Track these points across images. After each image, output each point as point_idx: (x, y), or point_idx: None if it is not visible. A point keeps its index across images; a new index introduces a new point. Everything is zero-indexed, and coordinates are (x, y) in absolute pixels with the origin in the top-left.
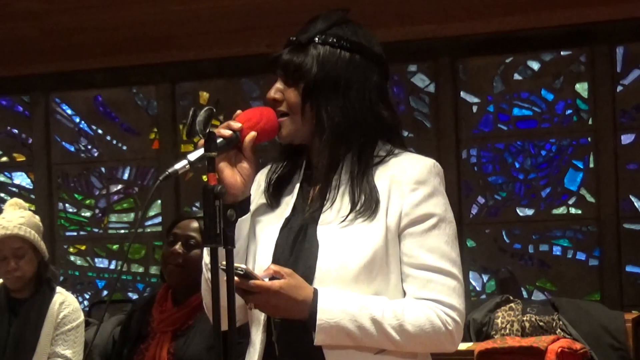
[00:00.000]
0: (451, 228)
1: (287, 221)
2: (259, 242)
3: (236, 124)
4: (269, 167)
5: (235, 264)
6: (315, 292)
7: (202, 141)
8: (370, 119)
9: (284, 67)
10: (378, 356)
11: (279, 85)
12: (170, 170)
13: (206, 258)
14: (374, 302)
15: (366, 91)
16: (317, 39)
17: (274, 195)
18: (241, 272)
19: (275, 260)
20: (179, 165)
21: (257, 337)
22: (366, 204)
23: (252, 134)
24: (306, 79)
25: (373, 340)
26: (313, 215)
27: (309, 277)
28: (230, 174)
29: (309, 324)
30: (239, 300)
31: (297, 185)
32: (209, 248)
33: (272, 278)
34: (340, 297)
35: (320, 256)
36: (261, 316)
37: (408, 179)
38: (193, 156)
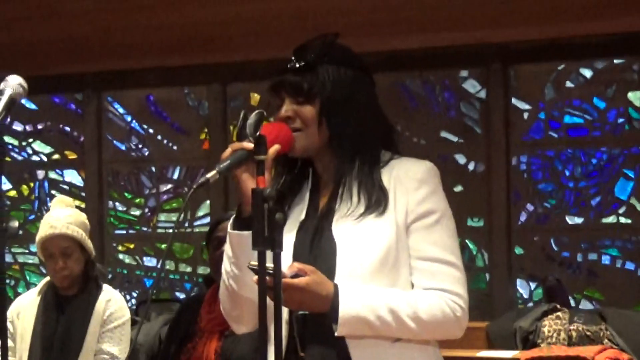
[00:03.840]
0: (452, 222)
1: (302, 224)
2: None
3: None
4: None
5: (252, 262)
6: (336, 286)
7: (227, 152)
8: (376, 127)
9: (294, 87)
10: (397, 344)
11: (288, 105)
12: (201, 180)
13: (227, 266)
14: (390, 294)
15: (370, 103)
16: (321, 59)
17: (282, 206)
18: (270, 272)
19: (295, 261)
20: (210, 174)
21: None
22: (377, 200)
23: (277, 146)
24: (322, 96)
25: (391, 329)
26: (327, 216)
27: (330, 274)
28: (253, 184)
29: (331, 317)
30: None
31: (307, 195)
32: (229, 254)
33: (295, 275)
34: (360, 290)
35: (339, 254)
36: (283, 313)
37: (411, 179)
38: (222, 166)
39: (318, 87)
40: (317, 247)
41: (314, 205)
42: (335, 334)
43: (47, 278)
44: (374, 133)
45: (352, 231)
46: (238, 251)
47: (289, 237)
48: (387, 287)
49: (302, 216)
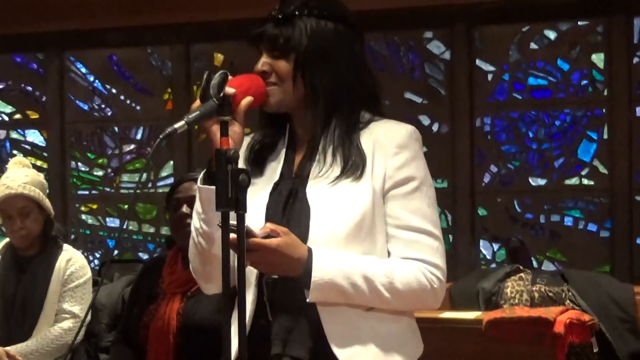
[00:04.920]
0: (432, 191)
1: (276, 185)
2: (249, 207)
3: (229, 90)
4: (250, 135)
5: (231, 222)
6: (310, 250)
7: (196, 103)
8: (357, 85)
9: (271, 40)
10: (369, 313)
11: (265, 58)
12: (169, 129)
13: (196, 222)
14: (365, 261)
15: (352, 59)
16: (301, 11)
17: (257, 164)
18: (233, 228)
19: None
20: (178, 125)
21: (248, 296)
22: (353, 165)
23: (249, 98)
24: (297, 50)
25: (364, 297)
26: (302, 178)
27: (302, 238)
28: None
29: (303, 282)
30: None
31: (283, 152)
32: (198, 210)
33: (267, 236)
34: (334, 255)
35: (313, 218)
36: (252, 278)
37: (390, 143)
38: (190, 117)
39: (294, 42)
40: (291, 210)
41: (289, 164)
42: (307, 300)
43: (7, 239)
44: (354, 92)
45: (327, 195)
46: (207, 207)
47: (262, 198)
48: (363, 255)
49: (277, 176)
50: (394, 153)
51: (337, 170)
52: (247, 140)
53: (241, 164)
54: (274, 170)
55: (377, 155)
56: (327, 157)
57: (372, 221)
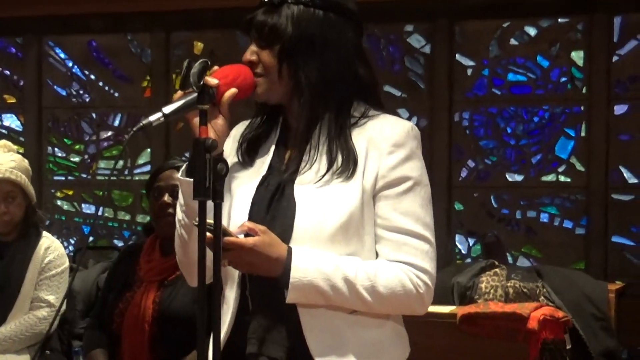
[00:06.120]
0: (426, 192)
1: (264, 179)
2: (235, 200)
3: (213, 80)
4: (245, 123)
5: (209, 221)
6: (290, 250)
7: (177, 94)
8: (348, 77)
9: (258, 28)
10: (352, 316)
11: (253, 47)
12: (144, 122)
13: (179, 214)
14: (348, 263)
15: (342, 49)
16: None
17: (249, 153)
18: (210, 228)
19: (251, 219)
20: (154, 117)
21: (230, 294)
22: (344, 164)
23: (233, 90)
24: (281, 40)
25: (345, 300)
26: (291, 174)
27: (286, 236)
28: (204, 130)
29: (282, 282)
30: (208, 259)
31: (273, 145)
32: (181, 202)
33: (247, 235)
34: (315, 256)
35: (298, 215)
36: (235, 273)
37: (385, 142)
38: (168, 109)
39: (279, 30)
40: (276, 206)
41: (280, 157)
42: (286, 301)
43: None
44: (344, 84)
45: (314, 193)
46: (188, 199)
47: (248, 191)
48: (349, 256)
49: (264, 170)
50: (388, 152)
51: (325, 167)
52: (242, 127)
53: (233, 152)
54: (263, 162)
55: (371, 154)
56: (317, 153)
57: (360, 222)
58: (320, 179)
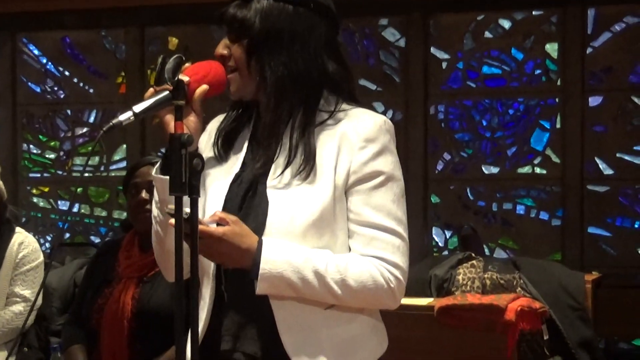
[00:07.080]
0: (398, 186)
1: (237, 176)
2: (208, 195)
3: (184, 78)
4: (220, 117)
5: (185, 209)
6: (260, 241)
7: (149, 92)
8: (314, 73)
9: (228, 22)
10: (328, 311)
11: (225, 41)
12: (114, 121)
13: (155, 210)
14: (319, 256)
15: (311, 44)
16: None
17: (224, 149)
18: (186, 217)
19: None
20: (124, 116)
21: (206, 289)
22: (303, 162)
23: (204, 87)
24: (250, 34)
25: (315, 292)
26: (262, 172)
27: (258, 233)
28: (178, 127)
29: (252, 273)
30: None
31: (247, 141)
32: (156, 199)
33: (218, 225)
34: (285, 248)
35: (271, 213)
36: (210, 268)
37: (357, 137)
38: (139, 107)
39: (248, 24)
40: (249, 204)
41: (254, 153)
42: (256, 292)
43: None
44: (313, 79)
45: (287, 191)
46: (163, 196)
47: (221, 188)
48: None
49: (238, 167)
50: (360, 147)
51: (296, 165)
52: (217, 122)
53: (209, 147)
54: (237, 158)
55: (343, 149)
56: (288, 151)
57: (332, 217)
58: (293, 177)
